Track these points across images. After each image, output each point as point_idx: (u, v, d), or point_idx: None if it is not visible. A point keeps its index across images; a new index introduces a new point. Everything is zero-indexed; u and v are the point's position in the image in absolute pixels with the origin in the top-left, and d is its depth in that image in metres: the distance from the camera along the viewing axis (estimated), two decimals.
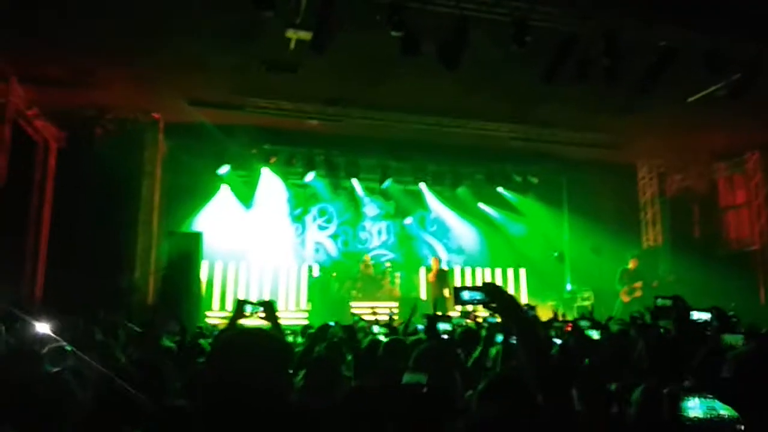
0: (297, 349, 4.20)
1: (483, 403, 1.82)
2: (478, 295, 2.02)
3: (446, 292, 10.89)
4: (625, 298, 10.96)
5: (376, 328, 4.59)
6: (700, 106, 8.67)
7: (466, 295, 2.03)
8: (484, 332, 3.92)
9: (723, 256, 11.95)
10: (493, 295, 1.96)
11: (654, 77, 7.33)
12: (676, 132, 10.50)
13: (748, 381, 1.36)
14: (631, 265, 11.29)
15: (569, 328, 4.87)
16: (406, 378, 2.01)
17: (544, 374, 1.84)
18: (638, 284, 10.98)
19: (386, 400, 1.93)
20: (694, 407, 1.32)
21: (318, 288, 11.66)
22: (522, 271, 12.98)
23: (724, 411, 1.30)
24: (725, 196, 12.72)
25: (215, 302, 11.15)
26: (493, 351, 3.47)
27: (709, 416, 1.30)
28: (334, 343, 3.68)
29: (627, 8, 6.61)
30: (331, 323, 5.20)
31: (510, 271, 12.97)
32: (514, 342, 2.35)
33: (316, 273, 11.86)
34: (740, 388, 1.33)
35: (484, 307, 2.01)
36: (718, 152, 12.11)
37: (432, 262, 11.82)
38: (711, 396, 1.31)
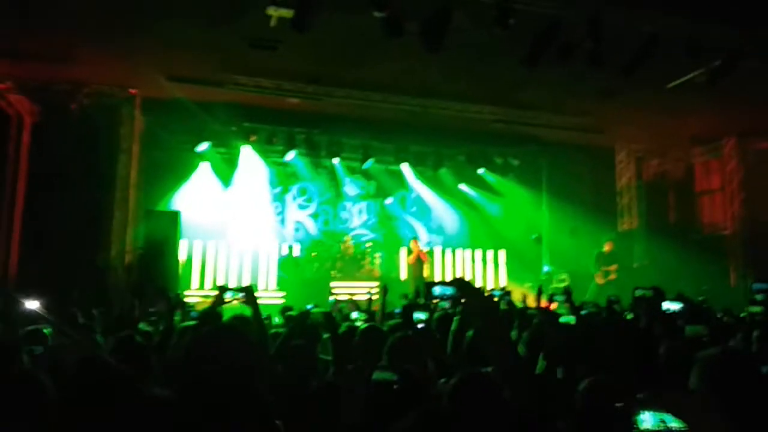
0: (273, 330, 4.22)
1: (454, 400, 1.86)
2: (448, 290, 2.05)
3: (426, 273, 10.96)
4: (600, 281, 11.15)
5: (355, 314, 4.60)
6: (679, 92, 8.75)
7: (437, 290, 2.06)
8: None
9: (697, 240, 12.18)
10: (463, 290, 1.99)
11: (636, 62, 7.36)
12: (656, 117, 10.59)
13: (719, 394, 1.41)
14: (606, 248, 11.45)
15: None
16: (376, 376, 2.04)
17: (511, 370, 1.88)
18: (613, 267, 11.17)
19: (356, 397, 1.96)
20: (646, 420, 1.37)
21: (298, 268, 11.65)
22: (501, 253, 13.11)
23: (675, 423, 1.35)
24: (701, 180, 12.92)
25: (194, 281, 11.09)
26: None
27: (659, 428, 1.35)
28: (312, 327, 3.70)
29: None
30: (311, 307, 5.21)
31: (489, 253, 13.09)
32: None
33: (296, 253, 11.83)
34: (712, 400, 1.37)
35: (453, 302, 2.04)
36: (695, 137, 12.26)
37: (411, 244, 11.66)
38: (662, 409, 1.36)
